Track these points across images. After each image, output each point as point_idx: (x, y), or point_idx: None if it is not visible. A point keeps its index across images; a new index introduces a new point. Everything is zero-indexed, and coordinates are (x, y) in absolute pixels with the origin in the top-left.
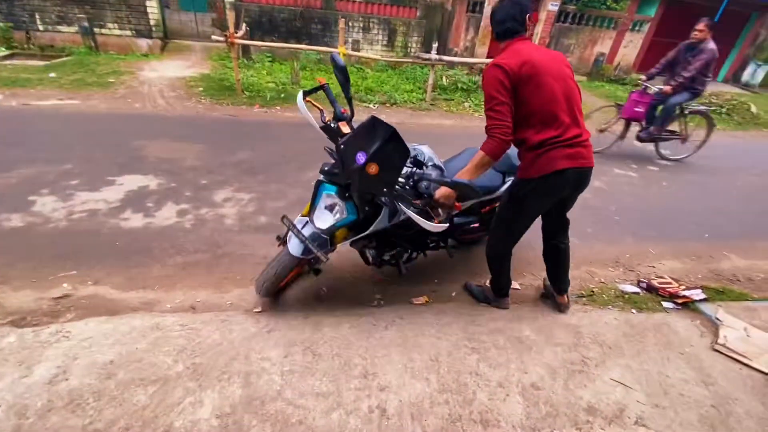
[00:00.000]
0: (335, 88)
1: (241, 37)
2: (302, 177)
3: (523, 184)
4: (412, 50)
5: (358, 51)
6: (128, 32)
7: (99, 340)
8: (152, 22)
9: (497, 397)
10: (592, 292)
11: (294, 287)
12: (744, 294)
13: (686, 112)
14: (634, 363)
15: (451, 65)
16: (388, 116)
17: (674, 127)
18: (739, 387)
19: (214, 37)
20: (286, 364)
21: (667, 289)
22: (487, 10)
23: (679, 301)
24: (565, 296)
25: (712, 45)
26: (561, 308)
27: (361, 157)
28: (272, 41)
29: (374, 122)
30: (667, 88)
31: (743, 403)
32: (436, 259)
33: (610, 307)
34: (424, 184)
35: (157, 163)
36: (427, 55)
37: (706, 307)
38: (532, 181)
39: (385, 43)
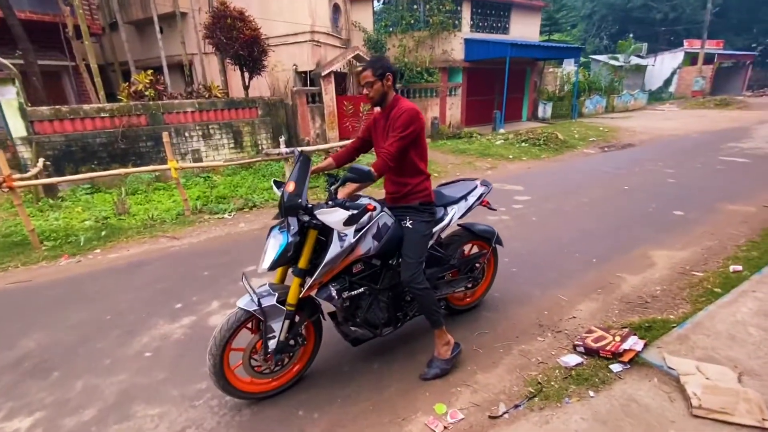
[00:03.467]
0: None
1: (35, 176)
2: (129, 349)
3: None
4: (264, 146)
5: (201, 160)
6: None
7: None
8: None
9: None
10: (539, 384)
11: None
12: (667, 321)
13: None
14: None
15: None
16: (249, 222)
17: None
18: None
19: None
20: None
21: (606, 348)
22: (327, 99)
23: (625, 359)
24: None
25: None
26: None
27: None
28: (91, 170)
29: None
30: None
31: None
32: None
33: (567, 399)
34: (332, 187)
35: None
36: (276, 151)
37: (651, 356)
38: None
39: (232, 145)
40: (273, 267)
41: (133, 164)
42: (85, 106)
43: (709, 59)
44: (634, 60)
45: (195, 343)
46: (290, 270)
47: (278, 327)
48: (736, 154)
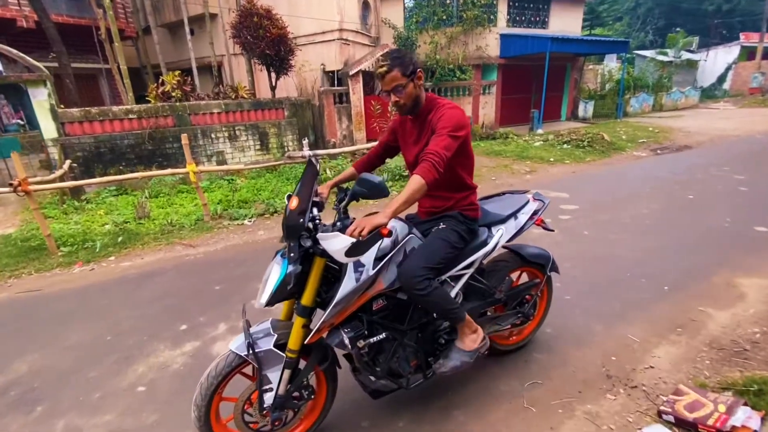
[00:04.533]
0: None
1: (59, 178)
2: (122, 381)
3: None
4: (290, 148)
5: (226, 162)
6: None
7: None
8: None
9: None
10: None
11: None
12: None
13: None
14: None
15: (333, 156)
16: (269, 230)
17: None
18: None
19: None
20: None
21: (708, 423)
22: (354, 99)
23: None
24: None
25: None
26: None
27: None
28: (119, 171)
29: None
30: None
31: None
32: None
33: None
34: (341, 204)
35: None
36: (299, 153)
37: None
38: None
39: (258, 147)
40: (271, 302)
41: (158, 166)
42: (114, 108)
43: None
44: (685, 55)
45: (194, 378)
46: (294, 307)
47: (276, 377)
48: None
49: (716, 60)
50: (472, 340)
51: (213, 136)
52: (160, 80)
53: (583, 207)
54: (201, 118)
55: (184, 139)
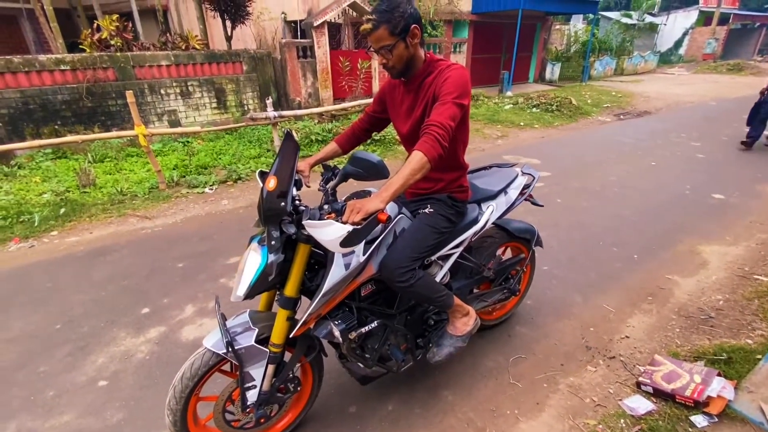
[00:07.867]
0: None
1: None
2: (79, 375)
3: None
4: (250, 106)
5: (179, 121)
6: None
7: None
8: None
9: None
10: None
11: None
12: (747, 350)
13: None
14: None
15: (299, 118)
16: (233, 199)
17: None
18: None
19: None
20: None
21: (685, 394)
22: (319, 53)
23: (714, 411)
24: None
25: None
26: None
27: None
28: (54, 131)
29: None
30: None
31: None
32: None
33: None
34: (328, 185)
35: None
36: (262, 115)
37: (743, 406)
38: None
39: (214, 105)
40: (250, 295)
41: (101, 126)
42: (42, 57)
43: (722, 20)
44: (648, 18)
45: (162, 368)
46: (276, 298)
47: (259, 374)
48: None
49: (675, 24)
50: (464, 323)
51: (162, 92)
52: (95, 25)
53: (555, 174)
54: (147, 71)
55: (130, 96)
